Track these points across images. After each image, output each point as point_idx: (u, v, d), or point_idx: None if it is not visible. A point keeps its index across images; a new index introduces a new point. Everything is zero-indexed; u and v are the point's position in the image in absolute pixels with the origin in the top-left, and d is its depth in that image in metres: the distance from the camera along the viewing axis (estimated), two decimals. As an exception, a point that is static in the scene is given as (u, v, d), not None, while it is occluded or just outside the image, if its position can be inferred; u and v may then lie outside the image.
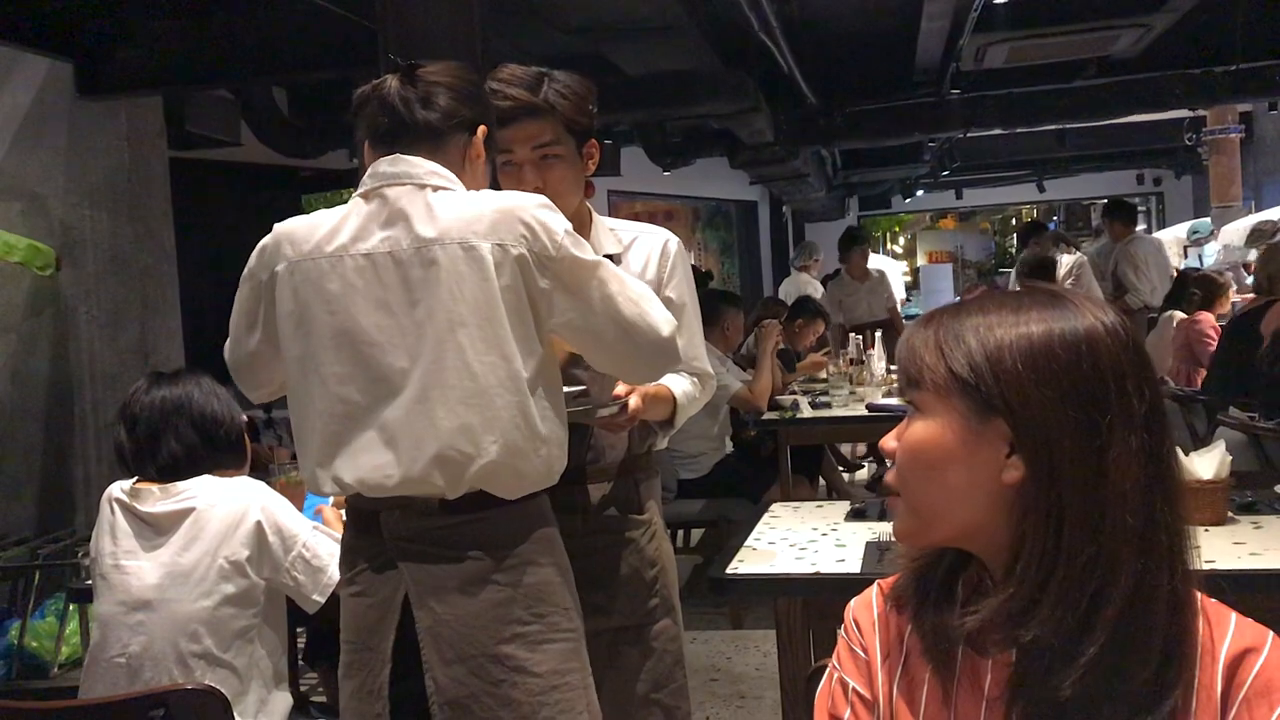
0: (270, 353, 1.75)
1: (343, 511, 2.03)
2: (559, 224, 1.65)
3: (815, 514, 2.55)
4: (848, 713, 1.07)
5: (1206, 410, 4.49)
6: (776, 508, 2.65)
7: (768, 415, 4.75)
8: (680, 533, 5.08)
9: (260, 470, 2.54)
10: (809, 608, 2.09)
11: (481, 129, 1.74)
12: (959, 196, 15.20)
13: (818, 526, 2.41)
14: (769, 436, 4.93)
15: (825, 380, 5.53)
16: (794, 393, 5.38)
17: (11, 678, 3.64)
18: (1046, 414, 0.92)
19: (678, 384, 1.99)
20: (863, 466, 7.19)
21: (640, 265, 2.01)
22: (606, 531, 1.98)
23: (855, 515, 2.47)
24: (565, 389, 1.76)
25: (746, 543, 2.30)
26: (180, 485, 2.14)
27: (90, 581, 2.26)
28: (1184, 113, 9.57)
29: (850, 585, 1.16)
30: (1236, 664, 0.94)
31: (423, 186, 1.65)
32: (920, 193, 14.65)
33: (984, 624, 0.95)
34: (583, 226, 1.96)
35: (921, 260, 20.08)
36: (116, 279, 4.37)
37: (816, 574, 2.06)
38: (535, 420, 1.64)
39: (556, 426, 1.70)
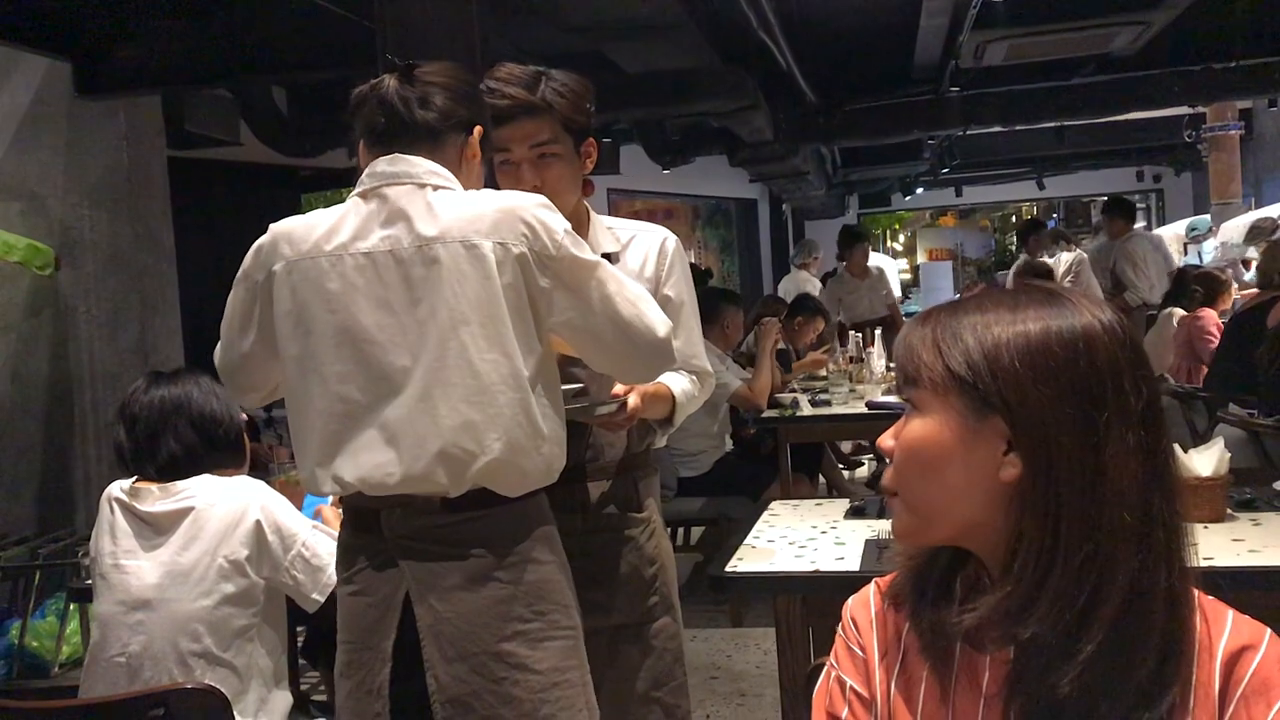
0: (264, 354, 1.75)
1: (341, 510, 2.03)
2: (559, 224, 1.66)
3: (815, 512, 2.55)
4: (845, 711, 1.07)
5: (1207, 407, 4.49)
6: (776, 506, 2.66)
7: (767, 413, 4.76)
8: (680, 531, 5.08)
9: (260, 469, 2.54)
10: (809, 605, 2.09)
11: (477, 129, 1.74)
12: (959, 194, 15.19)
13: (817, 524, 2.41)
14: (769, 434, 4.93)
15: (825, 378, 5.54)
16: (794, 390, 5.38)
17: (12, 677, 3.64)
18: (1044, 411, 0.92)
19: (676, 382, 2.00)
20: (863, 464, 7.20)
21: (638, 263, 2.01)
22: (606, 530, 1.99)
23: (855, 513, 2.48)
24: (564, 387, 1.77)
25: (746, 541, 2.31)
26: (179, 485, 2.14)
27: (90, 581, 2.26)
28: (1184, 110, 9.56)
29: (850, 583, 1.16)
30: (1234, 661, 0.94)
31: (422, 186, 1.65)
32: (920, 190, 14.64)
33: (982, 621, 0.96)
34: (580, 225, 1.96)
35: (921, 258, 20.09)
36: (116, 278, 4.37)
37: (816, 572, 2.07)
38: (537, 418, 1.65)
39: (557, 424, 1.71)
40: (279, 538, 2.11)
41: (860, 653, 1.08)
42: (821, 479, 5.81)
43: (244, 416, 2.33)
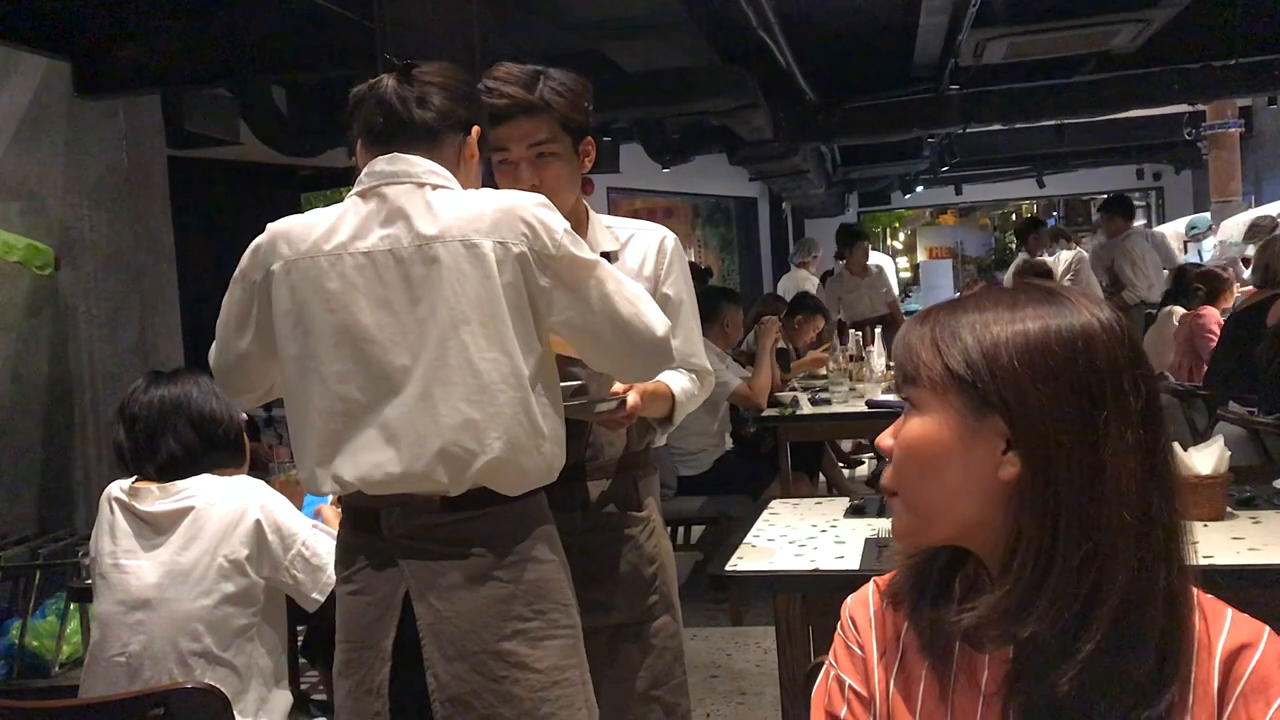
0: (261, 354, 1.75)
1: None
2: (558, 223, 1.66)
3: (815, 511, 2.55)
4: (844, 710, 1.07)
5: (1206, 405, 4.49)
6: (776, 504, 2.66)
7: (767, 412, 4.76)
8: (680, 529, 5.08)
9: (259, 469, 2.54)
10: (808, 604, 2.09)
11: (475, 129, 1.75)
12: (959, 192, 15.18)
13: (817, 523, 2.41)
14: (769, 433, 4.93)
15: (825, 376, 5.54)
16: (794, 389, 5.38)
17: (12, 677, 3.64)
18: (1043, 410, 0.92)
19: (676, 381, 2.00)
20: (863, 463, 7.20)
21: (637, 262, 2.01)
22: (605, 528, 1.99)
23: (854, 512, 2.48)
24: (563, 384, 1.77)
25: (746, 539, 2.31)
26: (179, 484, 2.14)
27: (90, 581, 2.26)
28: (1183, 107, 9.56)
29: (849, 581, 1.16)
30: (1232, 659, 0.94)
31: (421, 185, 1.66)
32: (920, 188, 14.63)
33: (981, 620, 0.96)
34: (579, 224, 1.96)
35: (921, 256, 20.10)
36: (115, 278, 4.37)
37: (816, 570, 2.07)
38: (537, 417, 1.65)
39: (557, 423, 1.71)
40: (279, 537, 2.11)
41: (859, 651, 1.08)
42: (821, 478, 5.81)
43: (244, 416, 2.33)
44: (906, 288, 16.92)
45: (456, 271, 1.61)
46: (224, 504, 2.11)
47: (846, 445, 7.07)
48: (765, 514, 2.54)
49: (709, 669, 3.95)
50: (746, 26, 4.90)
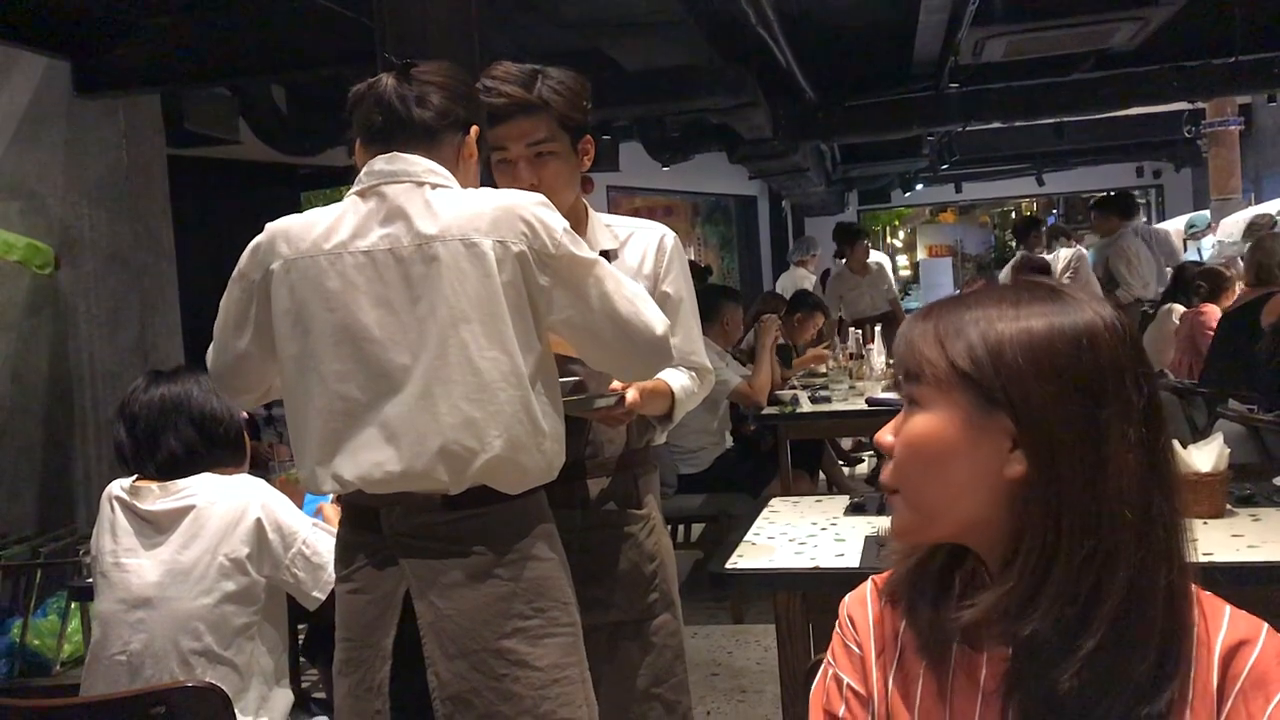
0: (260, 354, 1.74)
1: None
2: (558, 222, 1.67)
3: (815, 509, 2.55)
4: (843, 709, 1.07)
5: (1206, 403, 4.49)
6: (776, 502, 2.66)
7: (767, 410, 4.76)
8: (680, 528, 5.08)
9: (260, 467, 2.54)
10: (809, 602, 2.09)
11: (474, 128, 1.75)
12: (958, 190, 15.18)
13: (817, 521, 2.41)
14: (769, 431, 4.93)
15: (825, 374, 5.54)
16: (794, 387, 5.38)
17: (14, 675, 3.64)
18: (1047, 408, 0.92)
19: (676, 379, 2.00)
20: (863, 461, 7.20)
21: (636, 261, 2.01)
22: (605, 526, 1.99)
23: (855, 510, 2.48)
24: (561, 380, 1.77)
25: (746, 538, 2.31)
26: (180, 483, 2.14)
27: (91, 579, 2.26)
28: (1183, 105, 9.56)
29: (849, 579, 1.16)
30: (1231, 656, 0.94)
31: (421, 184, 1.66)
32: (919, 187, 14.63)
33: (981, 618, 0.95)
34: (578, 223, 1.96)
35: (921, 254, 20.09)
36: (115, 277, 4.37)
37: (816, 568, 2.07)
38: (537, 415, 1.65)
39: (557, 422, 1.71)
40: (279, 536, 2.11)
41: (857, 650, 1.08)
42: (822, 475, 5.81)
43: (244, 415, 2.33)
44: (906, 286, 16.92)
45: (456, 270, 1.61)
46: (225, 503, 2.11)
47: (846, 443, 7.07)
48: (765, 512, 2.54)
49: (709, 667, 3.95)
50: (746, 25, 4.90)
